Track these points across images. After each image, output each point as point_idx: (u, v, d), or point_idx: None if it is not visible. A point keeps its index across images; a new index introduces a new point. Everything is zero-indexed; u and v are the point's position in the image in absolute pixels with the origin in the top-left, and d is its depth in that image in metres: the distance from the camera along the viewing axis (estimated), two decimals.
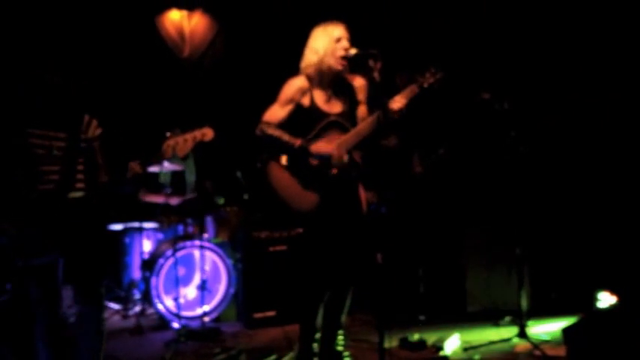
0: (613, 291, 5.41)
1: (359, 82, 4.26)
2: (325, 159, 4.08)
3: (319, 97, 4.19)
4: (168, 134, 3.84)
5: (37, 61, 3.77)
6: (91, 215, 3.80)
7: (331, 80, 4.18)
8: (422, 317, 5.70)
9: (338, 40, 4.10)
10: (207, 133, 3.89)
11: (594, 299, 5.50)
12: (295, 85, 4.18)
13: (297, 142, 4.07)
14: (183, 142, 3.83)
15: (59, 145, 3.69)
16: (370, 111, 4.17)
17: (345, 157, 4.09)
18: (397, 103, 3.99)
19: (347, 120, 4.17)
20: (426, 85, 4.07)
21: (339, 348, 4.37)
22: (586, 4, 6.07)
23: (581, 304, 5.50)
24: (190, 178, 7.20)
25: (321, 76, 4.15)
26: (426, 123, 5.40)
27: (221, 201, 6.90)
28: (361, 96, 4.26)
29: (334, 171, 4.09)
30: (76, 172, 3.75)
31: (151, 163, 3.93)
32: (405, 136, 5.43)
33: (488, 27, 6.56)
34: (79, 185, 3.76)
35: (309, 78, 4.18)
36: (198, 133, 3.86)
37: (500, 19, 6.53)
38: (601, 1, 5.98)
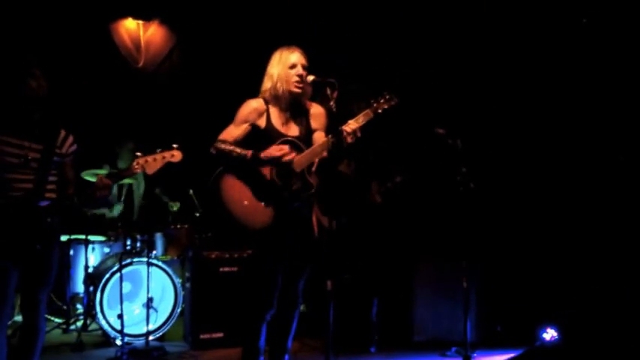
0: (556, 327, 5.49)
1: (316, 109, 4.33)
2: (276, 162, 4.11)
3: (276, 119, 4.25)
4: (138, 153, 3.95)
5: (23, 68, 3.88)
6: (52, 225, 3.93)
7: (288, 104, 4.25)
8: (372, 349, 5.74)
9: (292, 66, 4.18)
10: (176, 155, 4.00)
11: (539, 333, 5.57)
12: (251, 106, 4.25)
13: (249, 152, 4.12)
14: (153, 161, 3.94)
15: (34, 156, 3.86)
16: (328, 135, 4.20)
17: (294, 187, 4.14)
18: (350, 126, 4.03)
19: (303, 143, 4.21)
20: (380, 111, 4.13)
21: None
22: (537, 41, 6.25)
23: (525, 337, 5.58)
24: (138, 189, 7.16)
25: (278, 99, 4.23)
26: (381, 152, 5.44)
27: (175, 207, 6.83)
28: (317, 124, 4.32)
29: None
30: (47, 183, 3.92)
31: (121, 179, 4.19)
32: (362, 163, 5.47)
33: (449, 64, 6.72)
34: (49, 195, 3.91)
35: (266, 100, 4.25)
36: (167, 154, 3.97)
37: (460, 56, 6.70)
38: (551, 40, 6.17)
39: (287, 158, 4.11)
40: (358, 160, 5.45)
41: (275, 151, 4.10)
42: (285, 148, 4.13)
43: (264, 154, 4.09)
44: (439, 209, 5.43)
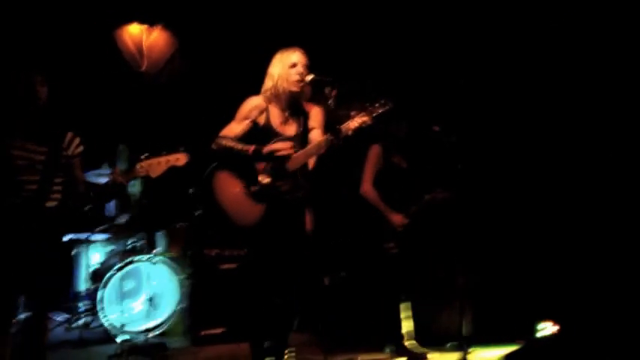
0: (554, 320, 5.47)
1: (314, 109, 4.42)
2: (277, 157, 4.17)
3: (275, 117, 4.35)
4: (142, 156, 3.92)
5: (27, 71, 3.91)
6: (59, 225, 3.93)
7: (288, 103, 4.34)
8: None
9: (293, 65, 4.27)
10: (181, 159, 3.97)
11: (536, 328, 5.53)
12: (252, 103, 4.36)
13: (251, 147, 4.20)
14: (157, 164, 3.92)
15: (40, 159, 3.87)
16: (325, 134, 4.28)
17: (286, 187, 4.21)
18: (344, 128, 4.14)
19: (298, 142, 4.29)
20: (375, 115, 4.22)
21: None
22: (534, 40, 6.27)
23: (522, 332, 5.51)
24: (134, 190, 7.10)
25: (278, 98, 4.32)
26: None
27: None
28: (314, 122, 4.40)
29: (266, 180, 4.21)
30: (54, 184, 3.91)
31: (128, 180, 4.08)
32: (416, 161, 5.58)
33: (445, 62, 6.74)
34: (55, 196, 3.91)
35: (267, 99, 4.34)
36: (172, 158, 3.94)
37: (458, 55, 6.73)
38: (545, 38, 6.19)
39: (288, 152, 4.18)
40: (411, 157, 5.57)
41: (276, 145, 4.19)
42: (289, 143, 4.21)
43: (266, 149, 4.17)
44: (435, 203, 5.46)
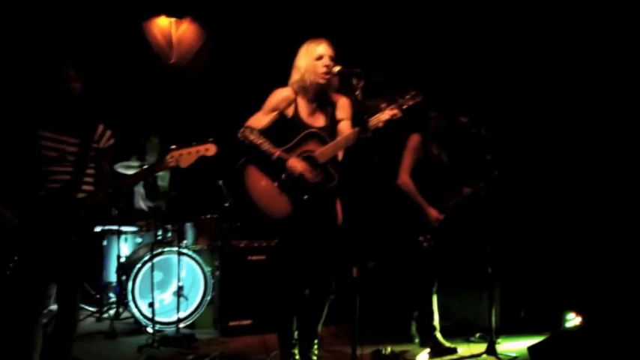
0: (579, 312, 5.52)
1: (342, 101, 4.39)
2: (297, 177, 4.16)
3: (303, 109, 4.32)
4: (172, 147, 3.94)
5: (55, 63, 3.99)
6: (88, 217, 3.96)
7: (315, 95, 4.31)
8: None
9: (319, 57, 4.23)
10: (211, 149, 3.97)
11: (562, 319, 5.62)
12: (281, 94, 4.33)
13: (276, 152, 4.17)
14: (187, 154, 3.93)
15: (71, 150, 3.93)
16: (354, 126, 4.26)
17: (318, 179, 4.18)
18: (374, 120, 4.12)
19: (327, 134, 4.27)
20: (405, 107, 4.20)
21: (314, 358, 4.40)
22: (558, 33, 6.23)
23: (549, 323, 5.59)
24: (163, 183, 7.25)
25: (306, 90, 4.29)
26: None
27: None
28: (343, 114, 4.37)
29: (306, 197, 4.18)
30: (85, 176, 3.96)
31: (154, 172, 4.23)
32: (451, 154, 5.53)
33: (473, 54, 6.72)
34: (86, 187, 3.97)
35: (295, 91, 4.32)
36: (202, 148, 3.95)
37: (482, 46, 6.70)
38: (572, 30, 6.14)
39: (308, 178, 4.16)
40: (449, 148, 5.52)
41: (300, 166, 4.16)
42: (308, 170, 4.17)
43: (289, 164, 4.15)
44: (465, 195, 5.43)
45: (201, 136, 4.04)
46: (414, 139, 5.40)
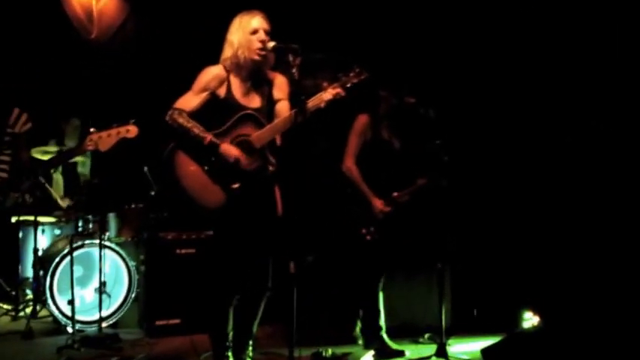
0: (537, 311, 5.48)
1: (279, 79, 4.27)
2: (231, 164, 4.00)
3: (237, 89, 4.16)
4: (91, 129, 3.91)
5: None
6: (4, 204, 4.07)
7: (250, 73, 4.14)
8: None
9: (254, 31, 4.07)
10: (132, 130, 3.94)
11: (519, 318, 5.58)
12: (211, 73, 4.16)
13: (208, 137, 4.00)
14: (107, 137, 3.89)
15: None
16: (292, 107, 4.12)
17: (254, 166, 4.05)
18: (316, 100, 3.99)
19: (263, 115, 4.13)
20: (348, 85, 4.08)
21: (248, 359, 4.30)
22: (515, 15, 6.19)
23: (504, 323, 5.54)
24: (83, 169, 7.14)
25: (239, 68, 4.15)
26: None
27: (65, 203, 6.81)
28: (280, 93, 4.25)
29: (235, 185, 4.04)
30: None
31: (71, 157, 4.36)
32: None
33: (422, 34, 6.63)
34: (1, 175, 3.99)
35: (227, 69, 4.15)
36: (122, 130, 3.91)
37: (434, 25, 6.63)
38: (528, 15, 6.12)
39: (243, 165, 4.01)
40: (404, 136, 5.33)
41: (233, 151, 3.99)
42: (244, 156, 4.02)
43: (222, 150, 3.98)
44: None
45: (125, 117, 4.00)
46: (361, 121, 5.15)
